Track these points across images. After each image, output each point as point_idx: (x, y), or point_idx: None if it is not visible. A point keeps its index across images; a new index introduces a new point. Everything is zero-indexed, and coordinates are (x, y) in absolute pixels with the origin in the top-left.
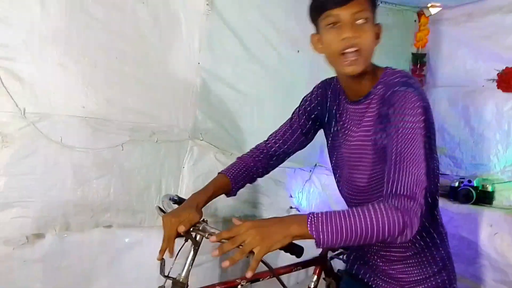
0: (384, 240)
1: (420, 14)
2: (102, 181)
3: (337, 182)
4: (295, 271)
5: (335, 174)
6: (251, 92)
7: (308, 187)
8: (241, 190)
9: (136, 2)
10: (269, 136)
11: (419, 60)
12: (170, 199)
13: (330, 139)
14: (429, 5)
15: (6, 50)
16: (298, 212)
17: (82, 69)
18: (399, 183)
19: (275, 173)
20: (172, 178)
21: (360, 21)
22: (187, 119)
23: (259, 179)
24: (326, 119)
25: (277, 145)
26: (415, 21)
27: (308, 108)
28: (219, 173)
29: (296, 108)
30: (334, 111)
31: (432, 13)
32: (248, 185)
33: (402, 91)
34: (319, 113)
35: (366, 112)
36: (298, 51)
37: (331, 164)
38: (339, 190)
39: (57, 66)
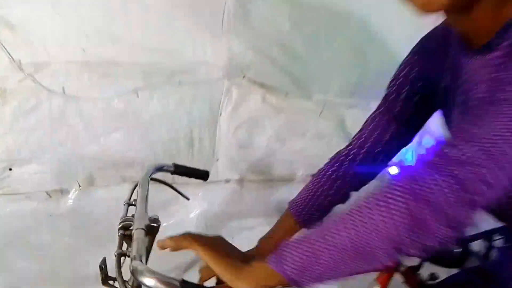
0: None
1: None
2: (117, 134)
3: None
4: None
5: None
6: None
7: None
8: None
9: None
10: (353, 137)
11: None
12: (160, 169)
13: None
14: None
15: None
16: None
17: (78, 6)
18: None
19: None
20: (205, 128)
21: None
22: (219, 51)
23: None
24: (442, 90)
25: (364, 150)
26: None
27: (406, 87)
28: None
29: (386, 90)
30: (448, 73)
31: None
32: None
33: None
34: (428, 85)
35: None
36: None
37: None
38: None
39: (50, 5)
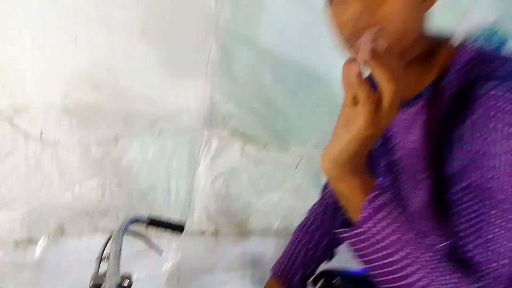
0: None
1: None
2: (94, 182)
3: None
4: None
5: None
6: (301, 56)
7: None
8: None
9: None
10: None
11: None
12: (135, 221)
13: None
14: None
15: None
16: None
17: (60, 50)
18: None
19: None
20: (184, 178)
21: None
22: (201, 100)
23: None
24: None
25: None
26: None
27: None
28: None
29: None
30: None
31: None
32: None
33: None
34: None
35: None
36: None
37: None
38: None
39: (31, 48)
